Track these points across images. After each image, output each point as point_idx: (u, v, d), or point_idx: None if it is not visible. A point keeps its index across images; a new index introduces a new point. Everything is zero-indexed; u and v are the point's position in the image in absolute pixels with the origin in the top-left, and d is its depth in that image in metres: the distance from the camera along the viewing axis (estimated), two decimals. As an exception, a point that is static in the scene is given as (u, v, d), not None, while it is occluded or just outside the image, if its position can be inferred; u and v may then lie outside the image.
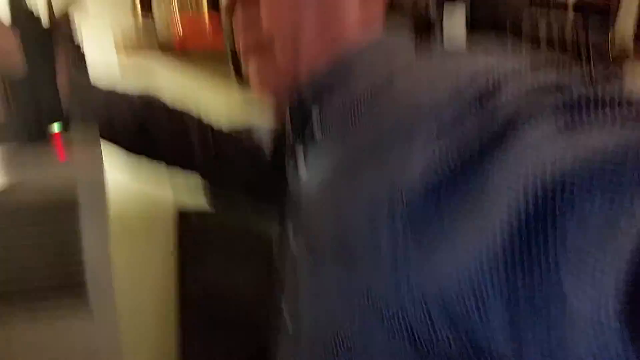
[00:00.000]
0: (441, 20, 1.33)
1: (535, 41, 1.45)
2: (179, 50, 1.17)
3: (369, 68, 0.58)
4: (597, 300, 0.29)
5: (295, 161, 0.65)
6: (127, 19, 1.24)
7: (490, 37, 1.37)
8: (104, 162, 0.65)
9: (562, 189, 0.33)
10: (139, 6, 1.23)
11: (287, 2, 0.58)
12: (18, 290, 0.52)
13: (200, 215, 1.32)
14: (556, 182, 0.33)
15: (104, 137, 0.71)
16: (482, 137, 0.40)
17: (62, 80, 0.65)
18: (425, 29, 1.35)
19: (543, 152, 0.35)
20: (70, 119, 0.63)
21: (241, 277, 1.28)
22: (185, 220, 1.35)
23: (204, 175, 0.83)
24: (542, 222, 0.33)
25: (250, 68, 0.62)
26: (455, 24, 1.35)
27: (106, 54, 1.25)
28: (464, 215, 0.40)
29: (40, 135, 0.58)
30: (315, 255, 0.57)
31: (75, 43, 0.84)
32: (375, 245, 0.48)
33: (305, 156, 0.63)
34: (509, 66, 0.45)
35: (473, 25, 1.40)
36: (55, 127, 0.60)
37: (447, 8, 1.36)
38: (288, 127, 0.64)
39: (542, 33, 1.45)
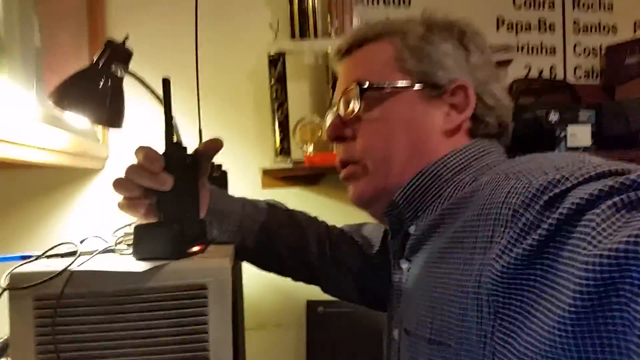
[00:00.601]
0: (565, 137, 1.33)
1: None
2: (308, 164, 1.30)
3: (454, 170, 0.65)
4: None
5: (397, 256, 0.71)
6: (269, 160, 1.45)
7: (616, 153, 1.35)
8: (234, 258, 0.72)
9: (620, 268, 0.35)
10: (278, 149, 1.46)
11: (378, 140, 0.68)
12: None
13: (326, 304, 1.46)
14: (614, 264, 0.35)
15: (239, 258, 0.81)
16: (550, 220, 0.43)
17: (204, 204, 0.75)
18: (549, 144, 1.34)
19: (602, 233, 0.37)
20: (210, 242, 0.71)
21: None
22: (313, 309, 1.49)
23: (321, 284, 0.91)
24: (605, 300, 0.36)
25: (349, 192, 0.73)
26: (580, 140, 1.33)
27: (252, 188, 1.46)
28: (538, 295, 0.43)
29: (182, 255, 0.64)
30: (412, 337, 0.60)
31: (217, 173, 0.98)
32: (464, 329, 0.51)
33: (404, 250, 0.69)
34: (579, 160, 0.49)
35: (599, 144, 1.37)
36: (195, 248, 0.66)
37: (571, 127, 1.35)
38: (386, 223, 0.72)
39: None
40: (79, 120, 0.96)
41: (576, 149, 1.32)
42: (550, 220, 0.43)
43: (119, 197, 0.67)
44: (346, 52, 0.74)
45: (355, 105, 0.69)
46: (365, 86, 0.67)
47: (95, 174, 1.46)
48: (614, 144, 1.39)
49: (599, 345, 0.36)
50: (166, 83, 0.66)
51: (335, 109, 0.73)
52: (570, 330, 0.37)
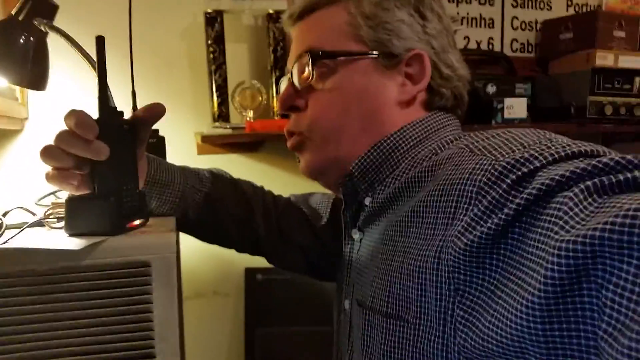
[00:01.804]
0: (502, 109, 1.36)
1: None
2: (249, 131, 1.26)
3: (411, 143, 0.63)
4: None
5: (348, 226, 0.70)
6: (206, 125, 1.39)
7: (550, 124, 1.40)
8: (176, 230, 0.68)
9: (592, 255, 0.34)
10: (216, 114, 1.40)
11: (330, 112, 0.65)
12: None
13: (264, 271, 1.46)
14: (587, 250, 0.35)
15: (180, 230, 0.77)
16: (518, 200, 0.42)
17: (142, 174, 0.71)
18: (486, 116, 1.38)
19: (575, 217, 0.37)
20: (149, 214, 0.67)
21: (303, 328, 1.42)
22: (252, 276, 1.48)
23: (268, 257, 0.89)
24: (576, 286, 0.36)
25: (301, 162, 0.71)
26: (516, 112, 1.37)
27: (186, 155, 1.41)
28: (502, 275, 0.43)
29: (121, 230, 0.59)
30: (365, 309, 0.60)
31: (153, 139, 0.92)
32: (423, 304, 0.51)
33: (356, 221, 0.68)
34: (546, 138, 0.48)
35: (534, 116, 1.42)
36: (136, 222, 0.62)
37: (507, 100, 1.39)
38: (341, 196, 0.70)
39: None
40: (-5, 78, 0.87)
41: (512, 120, 1.36)
42: (517, 200, 0.42)
43: (47, 167, 0.60)
44: (299, 16, 0.70)
45: (307, 75, 0.65)
46: (317, 54, 0.64)
47: (13, 137, 1.34)
48: (547, 116, 1.45)
49: (566, 330, 0.36)
50: (100, 41, 0.59)
51: (289, 76, 0.69)
52: (539, 315, 0.37)
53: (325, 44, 0.65)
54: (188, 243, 0.83)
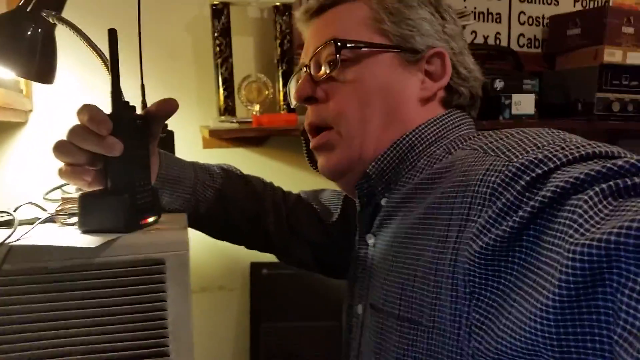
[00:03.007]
0: (510, 105, 1.35)
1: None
2: (255, 125, 1.25)
3: (428, 142, 0.63)
4: None
5: (362, 229, 0.69)
6: (211, 118, 1.38)
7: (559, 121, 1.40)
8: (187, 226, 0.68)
9: (608, 259, 0.34)
10: (222, 108, 1.38)
11: (353, 104, 0.64)
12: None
13: (270, 266, 1.45)
14: (602, 254, 0.34)
15: (191, 226, 0.76)
16: (532, 203, 0.42)
17: (153, 169, 0.70)
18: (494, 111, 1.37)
19: (589, 221, 0.36)
20: (161, 211, 0.66)
21: (308, 323, 1.42)
22: (257, 271, 1.47)
23: (277, 253, 0.88)
24: (591, 290, 0.35)
25: (320, 161, 0.69)
26: (524, 108, 1.37)
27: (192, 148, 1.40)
28: (517, 278, 0.42)
29: (135, 227, 0.59)
30: (379, 313, 0.60)
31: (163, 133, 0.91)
32: (438, 308, 0.50)
33: (371, 224, 0.67)
34: (560, 138, 0.48)
35: (541, 112, 1.42)
36: (150, 219, 0.62)
37: (515, 96, 1.38)
38: (355, 196, 0.68)
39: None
40: (1, 71, 0.86)
41: (520, 116, 1.35)
42: (532, 202, 0.42)
43: (54, 160, 0.59)
44: (316, 11, 0.69)
45: (329, 65, 0.65)
46: (343, 43, 0.63)
47: (17, 129, 1.33)
48: (555, 112, 1.44)
49: (580, 334, 0.36)
50: (112, 34, 0.58)
51: (302, 70, 0.69)
52: (553, 318, 0.37)
53: (349, 34, 0.64)
54: (194, 237, 0.82)
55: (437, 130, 0.63)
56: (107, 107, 0.59)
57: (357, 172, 0.66)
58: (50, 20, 0.84)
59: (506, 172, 0.45)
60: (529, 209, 0.42)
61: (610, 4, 1.70)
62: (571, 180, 0.40)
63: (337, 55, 0.63)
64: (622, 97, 1.44)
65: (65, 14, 0.88)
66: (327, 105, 0.66)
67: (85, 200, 0.59)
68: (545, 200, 0.41)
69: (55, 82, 0.93)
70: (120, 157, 0.57)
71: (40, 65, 0.87)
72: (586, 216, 0.37)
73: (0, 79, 1.04)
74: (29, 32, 0.84)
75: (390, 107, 0.64)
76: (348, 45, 0.63)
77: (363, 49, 0.64)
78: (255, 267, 1.47)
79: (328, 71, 0.65)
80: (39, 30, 0.85)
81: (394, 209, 0.62)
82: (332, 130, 0.66)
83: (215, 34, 1.36)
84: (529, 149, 0.47)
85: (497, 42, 1.65)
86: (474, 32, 1.63)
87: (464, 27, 1.38)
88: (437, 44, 0.64)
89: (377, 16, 0.64)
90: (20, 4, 0.85)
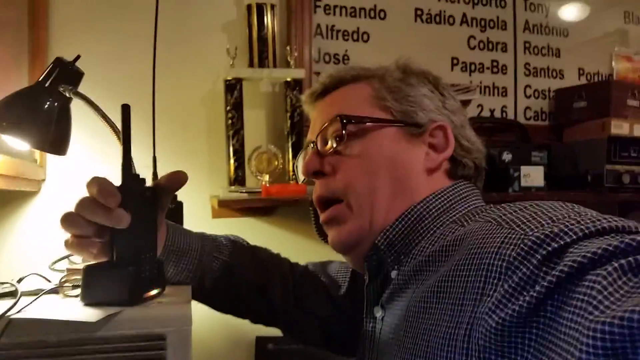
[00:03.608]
0: (519, 177, 1.35)
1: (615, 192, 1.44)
2: (265, 195, 1.25)
3: (437, 212, 0.63)
4: None
5: (371, 302, 0.67)
6: (222, 190, 1.39)
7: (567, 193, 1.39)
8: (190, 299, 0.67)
9: (631, 338, 0.32)
10: (232, 178, 1.40)
11: (361, 175, 0.65)
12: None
13: (276, 341, 1.40)
14: (625, 333, 0.33)
15: (195, 299, 0.75)
16: (550, 278, 0.41)
17: (160, 240, 0.70)
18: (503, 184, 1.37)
19: (609, 297, 0.36)
20: (165, 284, 0.65)
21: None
22: (263, 345, 1.42)
23: (284, 328, 0.86)
24: None
25: (331, 235, 0.69)
26: (533, 180, 1.36)
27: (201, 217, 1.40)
28: (534, 355, 0.41)
29: (138, 300, 0.58)
30: None
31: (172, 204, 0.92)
32: None
33: (379, 297, 0.65)
34: (575, 211, 0.47)
35: (551, 184, 1.41)
36: (153, 293, 0.61)
37: (524, 168, 1.38)
38: (364, 269, 0.67)
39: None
40: (17, 143, 0.88)
41: (529, 188, 1.35)
42: (549, 277, 0.41)
43: (64, 233, 0.59)
44: (321, 93, 0.72)
45: (336, 140, 0.66)
46: (348, 118, 0.65)
47: (30, 198, 1.35)
48: (564, 184, 1.44)
49: None
50: (125, 110, 0.60)
51: (310, 147, 0.70)
52: None
53: (354, 111, 0.67)
54: (198, 310, 0.81)
55: (446, 201, 0.63)
56: (119, 179, 0.60)
57: (367, 244, 0.65)
58: (67, 95, 0.87)
59: (522, 245, 0.45)
60: (546, 283, 0.41)
61: (614, 77, 1.73)
62: (589, 255, 0.39)
63: (344, 130, 0.65)
64: (632, 169, 1.44)
65: (81, 88, 0.91)
66: (334, 178, 0.67)
67: (89, 272, 0.58)
68: (563, 275, 0.40)
69: (69, 152, 0.96)
70: (127, 229, 0.57)
71: (55, 137, 0.89)
72: (605, 293, 0.36)
73: (16, 150, 1.06)
74: (46, 106, 0.87)
75: (397, 178, 0.64)
76: (353, 120, 0.65)
77: (368, 123, 0.65)
78: (261, 341, 1.42)
79: (335, 145, 0.66)
80: (55, 104, 0.88)
81: (405, 281, 0.61)
82: (341, 203, 0.67)
83: (228, 108, 1.40)
84: (543, 222, 0.46)
85: (504, 115, 1.68)
86: (480, 105, 1.66)
87: (469, 101, 1.41)
88: (439, 118, 0.67)
89: (379, 94, 0.67)
90: (39, 79, 0.89)
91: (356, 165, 0.65)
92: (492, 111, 1.67)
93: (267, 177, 1.39)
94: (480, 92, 1.65)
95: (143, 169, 0.76)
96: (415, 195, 0.64)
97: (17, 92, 0.88)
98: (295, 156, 1.41)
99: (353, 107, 0.67)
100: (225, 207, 1.34)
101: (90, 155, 1.33)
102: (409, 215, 0.63)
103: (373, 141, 0.65)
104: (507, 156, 1.38)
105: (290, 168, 1.42)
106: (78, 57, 0.91)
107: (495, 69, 1.67)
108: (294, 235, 1.51)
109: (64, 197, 1.32)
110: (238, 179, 1.40)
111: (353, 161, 0.66)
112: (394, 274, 0.64)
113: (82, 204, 0.57)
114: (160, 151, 1.10)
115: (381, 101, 0.66)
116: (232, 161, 1.40)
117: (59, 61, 0.89)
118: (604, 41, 1.78)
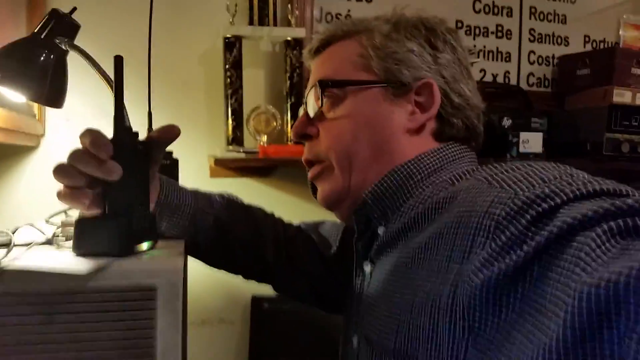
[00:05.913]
0: (517, 143, 1.35)
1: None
2: (262, 156, 1.25)
3: (427, 171, 0.63)
4: None
5: (359, 257, 0.69)
6: (220, 148, 1.39)
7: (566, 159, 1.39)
8: (184, 256, 0.67)
9: (616, 300, 0.33)
10: (230, 138, 1.40)
11: (341, 139, 0.66)
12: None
13: (271, 300, 1.44)
14: (610, 296, 0.33)
15: (189, 254, 0.76)
16: (538, 238, 0.41)
17: (153, 196, 0.71)
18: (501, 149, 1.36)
19: (597, 259, 0.36)
20: (159, 237, 0.66)
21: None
22: (258, 304, 1.46)
23: (275, 285, 0.87)
24: (597, 332, 0.34)
25: (318, 192, 0.71)
26: (532, 146, 1.36)
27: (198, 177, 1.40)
28: (519, 314, 0.41)
29: (130, 253, 0.59)
30: (374, 346, 0.58)
31: (167, 161, 0.92)
32: (435, 343, 0.49)
33: (368, 252, 0.66)
34: (567, 173, 0.47)
35: (549, 151, 1.41)
36: (145, 246, 0.61)
37: (523, 134, 1.38)
38: (353, 226, 0.68)
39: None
40: (13, 95, 0.87)
41: (528, 154, 1.34)
42: (538, 237, 0.41)
43: (59, 185, 0.60)
44: (316, 50, 0.72)
45: (318, 104, 0.67)
46: (327, 84, 0.66)
47: (29, 153, 1.35)
48: (563, 152, 1.43)
49: None
50: (118, 61, 0.59)
51: (304, 105, 0.71)
52: (556, 359, 0.35)
53: (336, 74, 0.67)
54: (195, 268, 0.82)
55: (435, 162, 0.63)
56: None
57: (349, 201, 0.66)
58: (63, 47, 0.86)
59: (512, 205, 0.44)
60: (534, 244, 0.41)
61: (620, 45, 1.71)
62: (578, 217, 0.39)
63: (322, 95, 0.66)
64: (632, 138, 1.43)
65: (80, 40, 0.90)
66: (318, 141, 0.69)
67: (81, 223, 0.59)
68: (552, 236, 0.40)
69: (68, 107, 0.95)
70: (119, 182, 0.58)
71: (51, 90, 0.88)
72: (593, 254, 0.36)
73: (13, 103, 1.06)
74: (42, 58, 0.86)
75: (377, 140, 0.64)
76: (332, 84, 0.66)
77: (348, 87, 0.66)
78: (256, 300, 1.45)
79: (316, 111, 0.68)
80: (52, 56, 0.87)
81: (393, 238, 0.61)
82: (324, 162, 0.68)
83: (227, 66, 1.39)
84: (535, 182, 0.46)
85: (506, 80, 1.66)
86: (482, 70, 1.64)
87: (471, 64, 1.39)
88: (427, 75, 0.64)
89: (365, 53, 0.66)
90: (35, 31, 0.87)
91: (337, 128, 0.66)
92: (494, 76, 1.65)
93: (265, 138, 1.39)
94: (484, 57, 1.63)
95: (140, 125, 0.76)
96: (395, 156, 0.64)
97: (13, 43, 0.87)
98: (293, 117, 1.41)
99: (337, 70, 0.67)
100: (223, 167, 1.34)
101: (90, 111, 1.33)
102: (399, 172, 0.63)
103: (353, 104, 0.65)
104: (506, 122, 1.38)
105: (289, 129, 1.42)
106: (74, 9, 0.90)
107: (499, 34, 1.64)
108: (291, 196, 1.52)
109: (63, 152, 1.32)
110: (236, 139, 1.40)
111: (335, 124, 0.66)
112: (381, 230, 0.64)
113: (75, 155, 0.57)
114: (157, 108, 1.09)
115: (366, 60, 0.65)
116: (230, 121, 1.39)
117: (55, 13, 0.88)
118: (613, 9, 1.75)
